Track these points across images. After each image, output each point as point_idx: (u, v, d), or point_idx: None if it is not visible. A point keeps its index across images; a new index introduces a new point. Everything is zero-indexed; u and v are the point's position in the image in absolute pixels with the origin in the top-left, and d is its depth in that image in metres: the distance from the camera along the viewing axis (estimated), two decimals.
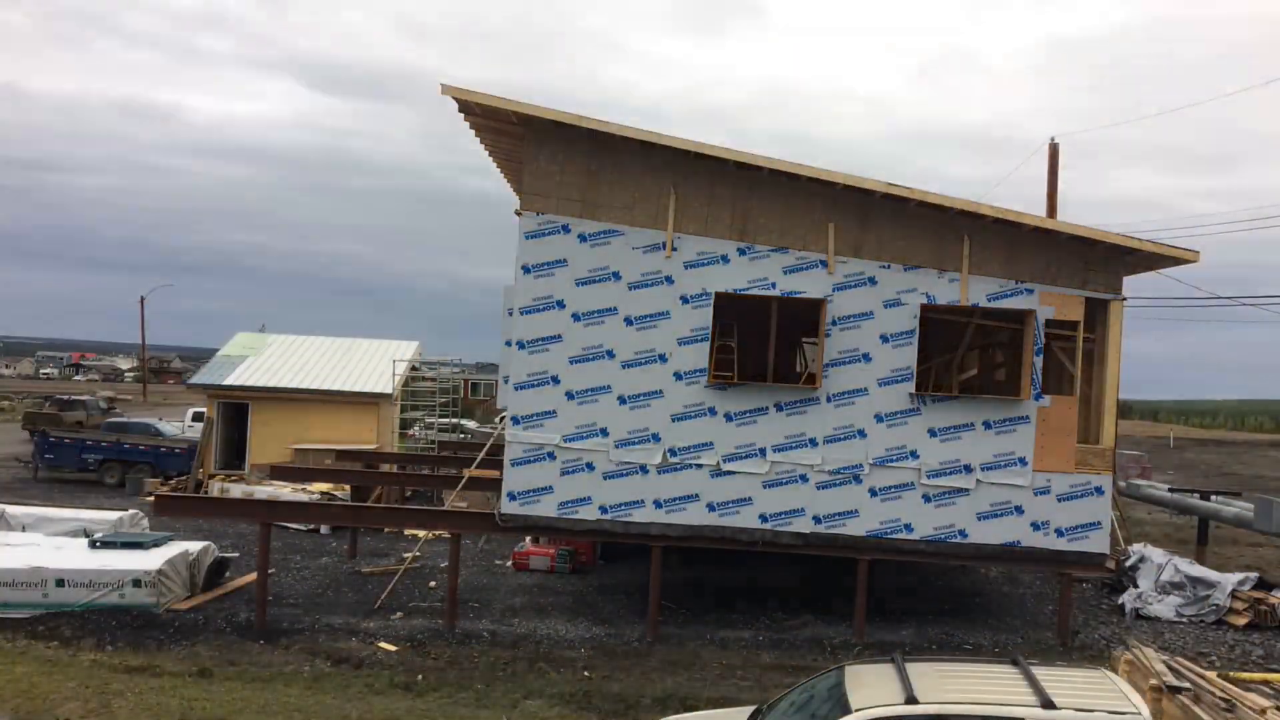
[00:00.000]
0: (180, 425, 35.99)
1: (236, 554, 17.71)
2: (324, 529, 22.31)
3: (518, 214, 15.21)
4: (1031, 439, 14.79)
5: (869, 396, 14.73)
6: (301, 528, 22.36)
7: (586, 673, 12.55)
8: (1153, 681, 10.08)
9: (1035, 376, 14.78)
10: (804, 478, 14.68)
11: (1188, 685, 10.00)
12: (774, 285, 14.60)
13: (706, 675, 12.69)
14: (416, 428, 32.88)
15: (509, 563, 19.05)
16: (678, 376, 14.65)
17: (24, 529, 17.52)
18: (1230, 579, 16.81)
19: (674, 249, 14.66)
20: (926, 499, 14.76)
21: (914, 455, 14.74)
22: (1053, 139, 22.45)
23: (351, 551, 19.74)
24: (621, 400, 14.62)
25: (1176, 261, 15.03)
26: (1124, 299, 14.89)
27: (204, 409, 31.86)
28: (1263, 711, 9.28)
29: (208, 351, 37.50)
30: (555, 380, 14.61)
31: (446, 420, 33.84)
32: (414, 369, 32.46)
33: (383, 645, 13.41)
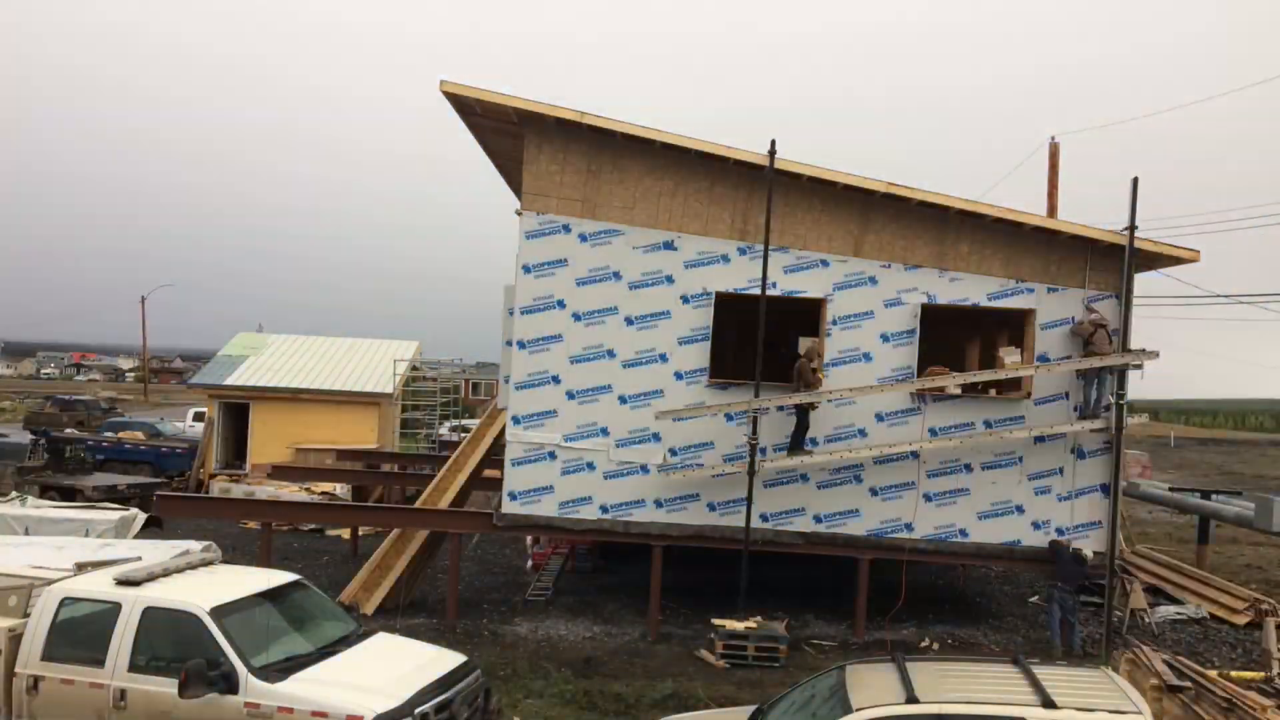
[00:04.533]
0: (182, 425, 36.07)
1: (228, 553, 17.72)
2: (329, 529, 22.33)
3: (518, 214, 15.22)
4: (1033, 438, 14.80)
5: (869, 396, 14.74)
6: (304, 527, 22.39)
7: (587, 672, 12.55)
8: (1153, 681, 10.08)
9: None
10: (804, 477, 14.70)
11: (1189, 684, 10.01)
12: (774, 284, 14.60)
13: (707, 675, 12.70)
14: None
15: (528, 563, 19.07)
16: (678, 376, 14.65)
17: (25, 530, 17.50)
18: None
19: (675, 248, 14.67)
20: (927, 498, 14.77)
21: (914, 455, 14.74)
22: (1053, 138, 22.44)
23: (353, 551, 19.77)
24: (622, 400, 14.63)
25: (1177, 260, 15.01)
26: (1125, 298, 14.87)
27: (205, 409, 31.91)
28: (1263, 710, 9.28)
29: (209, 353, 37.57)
30: (556, 380, 14.62)
31: (456, 421, 34.04)
32: (414, 368, 32.49)
33: None
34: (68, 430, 32.97)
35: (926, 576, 17.89)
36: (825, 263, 14.77)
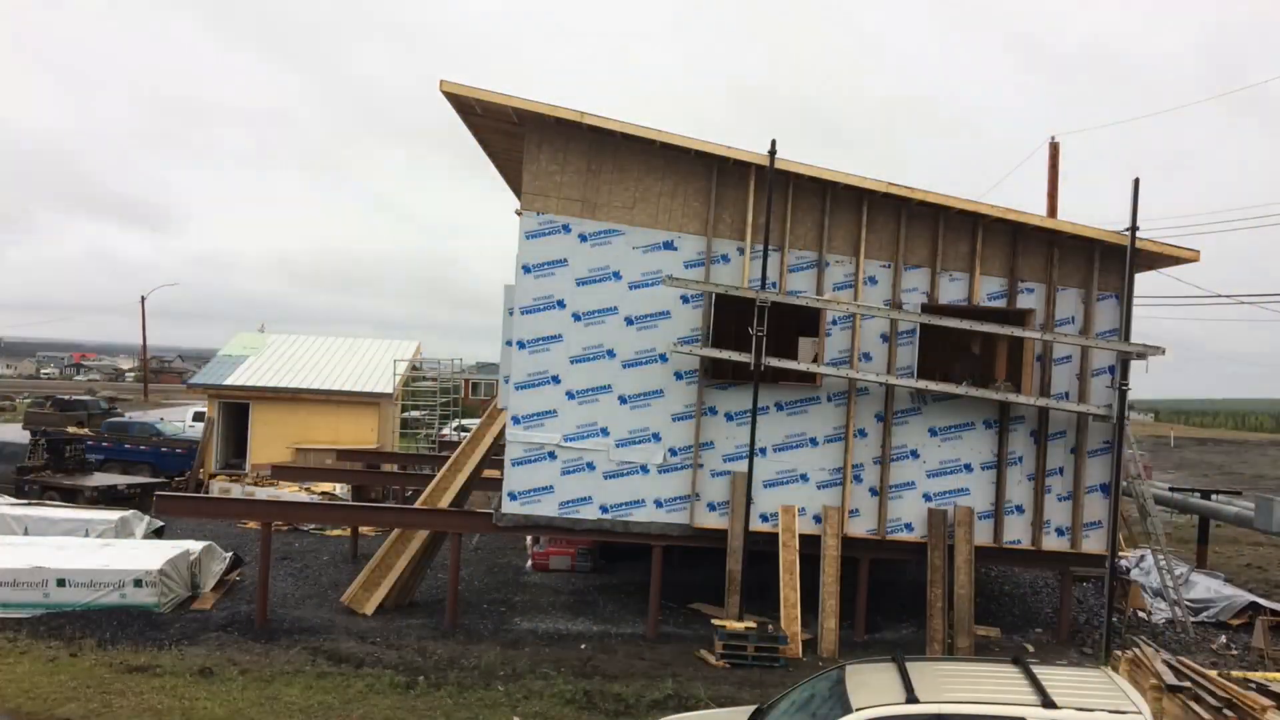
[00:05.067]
0: (181, 424, 36.08)
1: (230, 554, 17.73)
2: (328, 529, 22.33)
3: (518, 214, 15.21)
4: (1031, 438, 14.80)
5: (869, 396, 14.75)
6: (305, 528, 22.39)
7: (587, 672, 12.55)
8: (1153, 681, 10.08)
9: (1035, 376, 14.80)
10: (805, 476, 14.69)
11: (1188, 684, 10.01)
12: (774, 285, 14.60)
13: (707, 675, 12.70)
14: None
15: (527, 563, 19.07)
16: (678, 376, 14.65)
17: (25, 530, 17.53)
18: (1237, 599, 16.62)
19: (674, 248, 14.67)
20: (927, 498, 14.76)
21: (914, 454, 14.75)
22: (1053, 138, 22.46)
23: (353, 551, 19.76)
24: (622, 400, 14.62)
25: (1177, 260, 15.02)
26: (1126, 298, 14.87)
27: (205, 409, 31.91)
28: (1263, 711, 9.28)
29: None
30: (556, 380, 14.62)
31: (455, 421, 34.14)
32: (414, 368, 32.50)
33: None
34: (68, 430, 32.94)
35: (921, 574, 17.87)
36: (825, 263, 14.77)
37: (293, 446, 27.69)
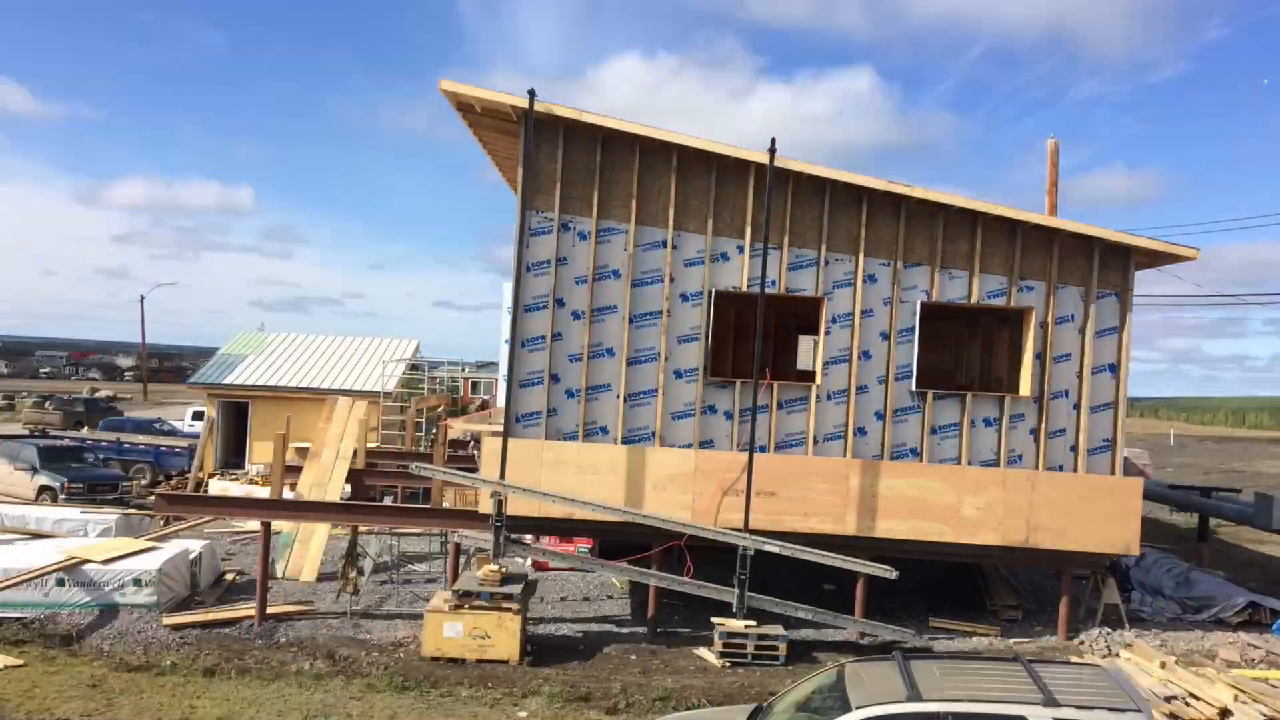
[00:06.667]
0: (180, 424, 36.09)
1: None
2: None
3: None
4: (1031, 436, 14.80)
5: (869, 394, 14.73)
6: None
7: (587, 671, 12.55)
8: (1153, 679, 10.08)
9: (1034, 373, 14.79)
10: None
11: (1176, 694, 9.99)
12: (774, 283, 14.58)
13: (706, 674, 12.69)
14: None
15: (527, 562, 19.03)
16: (678, 374, 14.63)
17: None
18: (1237, 598, 16.59)
19: (674, 246, 14.64)
20: None
21: (914, 453, 14.73)
22: (1052, 137, 22.45)
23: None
24: (622, 398, 14.59)
25: (1177, 259, 15.02)
26: (1125, 296, 14.86)
27: (204, 408, 31.92)
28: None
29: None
30: (555, 378, 14.59)
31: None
32: (413, 367, 32.50)
33: None
34: (68, 431, 32.97)
35: (920, 572, 17.88)
36: (825, 261, 14.75)
37: (293, 445, 27.63)
